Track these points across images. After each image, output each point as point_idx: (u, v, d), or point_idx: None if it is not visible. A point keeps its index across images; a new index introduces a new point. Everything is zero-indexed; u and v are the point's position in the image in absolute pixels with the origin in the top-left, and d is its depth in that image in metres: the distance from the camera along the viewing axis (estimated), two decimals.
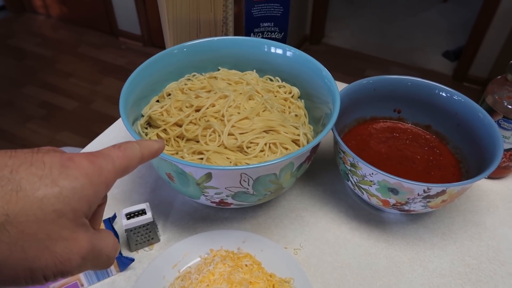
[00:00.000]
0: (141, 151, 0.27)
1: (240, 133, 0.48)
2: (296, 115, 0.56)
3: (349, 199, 0.56)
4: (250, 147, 0.48)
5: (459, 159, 0.55)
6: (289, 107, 0.56)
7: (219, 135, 0.48)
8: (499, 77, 0.55)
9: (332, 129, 0.49)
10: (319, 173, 0.59)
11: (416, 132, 0.60)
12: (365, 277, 0.48)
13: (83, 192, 0.23)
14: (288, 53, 0.57)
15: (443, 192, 0.45)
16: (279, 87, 0.59)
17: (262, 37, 0.65)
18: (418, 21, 2.77)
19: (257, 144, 0.48)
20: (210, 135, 0.48)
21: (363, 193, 0.50)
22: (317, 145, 0.48)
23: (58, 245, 0.22)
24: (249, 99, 0.53)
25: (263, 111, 0.52)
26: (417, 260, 0.49)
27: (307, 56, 0.55)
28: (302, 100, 0.58)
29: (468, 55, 2.18)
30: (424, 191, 0.45)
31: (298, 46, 2.49)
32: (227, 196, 0.45)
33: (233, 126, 0.49)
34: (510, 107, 0.52)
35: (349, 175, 0.50)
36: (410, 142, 0.58)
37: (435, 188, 0.44)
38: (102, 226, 0.48)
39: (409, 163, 0.55)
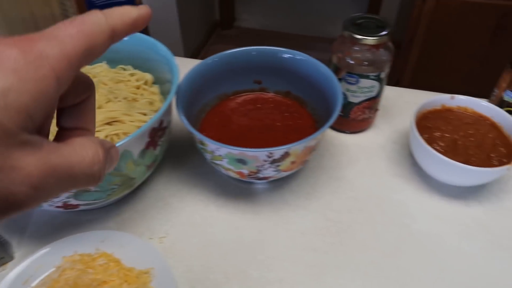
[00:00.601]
0: (110, 22, 0.19)
1: None
2: (150, 103, 0.54)
3: (218, 177, 0.56)
4: None
5: (316, 119, 0.57)
6: (142, 94, 0.55)
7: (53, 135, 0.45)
8: (339, 36, 0.56)
9: (178, 112, 0.48)
10: (188, 157, 0.58)
11: (278, 100, 0.60)
12: (230, 250, 0.48)
13: (9, 97, 0.15)
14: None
15: (287, 154, 0.45)
16: (131, 76, 0.56)
17: None
18: None
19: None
20: None
21: (220, 169, 0.50)
22: (161, 129, 0.47)
23: None
24: None
25: (107, 102, 0.50)
26: (282, 224, 0.50)
27: (141, 36, 0.53)
28: (157, 85, 0.56)
29: None
30: (268, 156, 0.45)
31: (208, 32, 2.47)
32: (67, 197, 0.43)
33: None
34: (351, 62, 0.54)
35: (204, 154, 0.50)
36: (272, 110, 0.59)
37: (277, 151, 0.44)
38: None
39: (269, 131, 0.55)
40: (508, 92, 0.53)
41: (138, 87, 0.55)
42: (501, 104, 0.55)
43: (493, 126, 0.54)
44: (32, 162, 0.16)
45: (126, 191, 0.48)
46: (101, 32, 0.18)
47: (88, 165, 0.19)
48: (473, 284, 0.44)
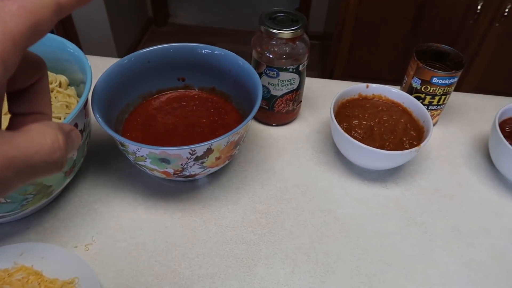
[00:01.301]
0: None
1: None
2: (67, 106, 0.51)
3: (145, 178, 0.55)
4: None
5: (241, 114, 0.57)
6: (56, 97, 0.52)
7: None
8: (257, 31, 0.57)
9: (94, 114, 0.46)
10: (113, 159, 0.57)
11: (203, 97, 0.60)
12: (161, 252, 0.47)
13: None
14: None
15: (210, 150, 0.46)
16: None
17: None
18: None
19: None
20: None
21: (145, 170, 0.49)
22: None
23: None
24: None
25: None
26: (212, 220, 0.51)
27: (50, 35, 0.50)
28: (73, 87, 0.54)
29: (303, 14, 2.33)
30: (191, 153, 0.45)
31: (143, 30, 2.39)
32: None
33: None
34: (270, 56, 0.55)
35: (127, 155, 0.49)
36: (197, 107, 0.59)
37: (199, 148, 0.44)
38: None
39: (195, 128, 0.55)
40: (415, 79, 0.58)
41: (52, 90, 0.52)
42: (411, 90, 0.59)
43: (405, 112, 0.57)
44: None
45: (44, 200, 0.46)
46: (46, 7, 0.17)
47: (48, 153, 0.17)
48: (391, 260, 0.47)
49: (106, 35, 1.95)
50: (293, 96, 0.59)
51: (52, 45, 0.50)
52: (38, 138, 0.17)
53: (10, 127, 0.20)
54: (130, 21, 2.23)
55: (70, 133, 0.19)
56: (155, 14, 2.48)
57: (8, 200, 0.41)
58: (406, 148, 0.52)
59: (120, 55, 2.07)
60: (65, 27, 1.77)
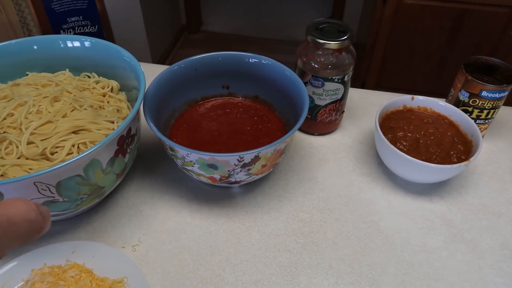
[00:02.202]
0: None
1: (43, 139, 0.45)
2: (118, 110, 0.53)
3: (189, 183, 0.56)
4: (56, 152, 0.45)
5: (284, 122, 0.58)
6: (108, 102, 0.54)
7: (17, 146, 0.44)
8: (303, 41, 0.57)
9: (146, 119, 0.48)
10: (158, 163, 0.58)
11: (246, 104, 0.61)
12: (205, 256, 0.48)
13: None
14: (87, 44, 0.54)
15: (257, 157, 0.46)
16: (96, 83, 0.55)
17: (75, 33, 0.61)
18: None
19: (64, 147, 0.45)
20: (6, 147, 0.44)
21: (191, 174, 0.50)
22: (130, 136, 0.46)
23: None
24: (56, 101, 0.49)
25: (72, 111, 0.49)
26: (255, 227, 0.51)
27: (105, 43, 0.52)
28: (123, 92, 0.56)
29: None
30: (239, 160, 0.46)
31: (176, 37, 2.45)
32: None
33: (33, 133, 0.45)
34: (316, 66, 0.55)
35: (175, 160, 0.50)
36: (241, 115, 0.59)
37: (247, 155, 0.45)
38: None
39: (239, 136, 0.56)
40: (463, 92, 0.56)
41: (104, 95, 0.54)
42: (457, 103, 0.58)
43: (451, 125, 0.56)
44: None
45: (96, 200, 0.48)
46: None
47: (24, 212, 0.23)
48: (438, 276, 0.46)
49: (141, 41, 2.01)
50: (337, 106, 0.59)
51: (109, 52, 0.52)
52: (12, 206, 0.22)
53: None
54: (165, 28, 2.29)
55: (39, 206, 0.24)
56: (188, 21, 2.53)
57: (66, 199, 0.42)
58: (454, 162, 0.51)
59: (154, 60, 2.12)
60: (107, 32, 1.83)
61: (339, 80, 0.55)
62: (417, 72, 1.77)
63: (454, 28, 1.59)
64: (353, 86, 0.61)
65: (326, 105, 0.58)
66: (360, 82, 1.89)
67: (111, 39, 2.03)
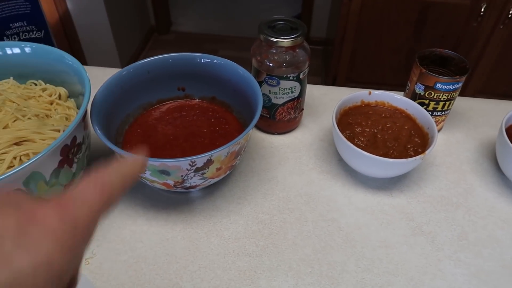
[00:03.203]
0: (123, 179, 0.21)
1: None
2: (66, 118, 0.51)
3: (146, 190, 0.54)
4: None
5: (242, 123, 0.57)
6: (56, 110, 0.51)
7: None
8: (256, 40, 0.56)
9: (92, 126, 0.46)
10: None
11: (203, 106, 0.60)
12: (162, 264, 0.46)
13: (51, 266, 0.16)
14: (27, 50, 0.51)
15: (210, 161, 0.45)
16: (43, 91, 0.53)
17: (19, 39, 0.58)
18: None
19: (4, 160, 0.42)
20: None
21: (145, 181, 0.48)
22: (76, 145, 0.44)
23: None
24: None
25: (14, 121, 0.46)
26: (214, 231, 0.50)
27: (46, 47, 0.50)
28: (72, 99, 0.54)
29: (305, 20, 2.33)
30: (190, 165, 0.44)
31: (145, 38, 2.41)
32: None
33: None
34: (270, 64, 0.54)
35: None
36: (198, 117, 0.58)
37: (199, 159, 0.44)
38: None
39: (196, 138, 0.54)
40: (419, 84, 0.57)
41: (51, 102, 0.52)
42: (414, 96, 0.58)
43: (408, 118, 0.57)
44: None
45: None
46: (117, 188, 0.21)
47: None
48: (397, 271, 0.46)
49: (109, 43, 1.96)
50: (295, 104, 0.58)
51: (51, 57, 0.50)
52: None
53: None
54: (133, 29, 2.24)
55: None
56: (157, 22, 2.49)
57: None
58: (411, 156, 0.51)
59: (123, 63, 2.07)
60: (68, 36, 1.78)
61: (295, 78, 0.55)
62: (386, 65, 1.79)
63: (419, 21, 1.62)
64: (325, 81, 0.60)
65: (283, 104, 0.58)
66: (332, 77, 1.89)
67: (77, 43, 1.97)
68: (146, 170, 0.45)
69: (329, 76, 1.93)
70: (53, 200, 0.18)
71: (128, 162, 0.23)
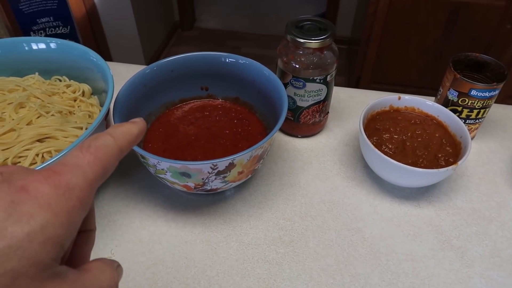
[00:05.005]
0: (118, 143, 0.21)
1: (4, 149, 0.42)
2: (89, 115, 0.51)
3: (166, 190, 0.53)
4: (19, 162, 0.42)
5: (265, 125, 0.55)
6: (79, 107, 0.51)
7: None
8: (283, 40, 0.55)
9: (113, 122, 0.45)
10: (134, 171, 0.56)
11: (226, 107, 0.59)
12: (180, 268, 0.46)
13: (47, 232, 0.17)
14: (52, 45, 0.51)
15: (232, 165, 0.44)
16: (67, 87, 0.53)
17: (46, 35, 0.58)
18: None
19: (27, 157, 0.42)
20: None
21: (165, 182, 0.48)
22: None
23: None
24: (21, 107, 0.47)
25: (38, 117, 0.46)
26: (233, 236, 0.49)
27: (71, 43, 0.50)
28: (96, 96, 0.53)
29: (330, 18, 2.30)
30: (212, 168, 0.43)
31: (169, 34, 2.42)
32: None
33: None
34: (296, 66, 0.52)
35: (147, 168, 0.47)
36: (220, 117, 0.57)
37: (221, 162, 0.43)
38: None
39: (218, 140, 0.53)
40: (452, 91, 0.54)
41: (75, 99, 0.52)
42: (446, 103, 0.55)
43: (440, 126, 0.54)
44: None
45: None
46: (113, 154, 0.21)
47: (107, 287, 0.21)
48: (424, 286, 0.44)
49: (134, 39, 1.98)
50: (320, 107, 0.56)
51: (75, 53, 0.49)
52: (99, 276, 0.20)
53: (69, 260, 0.22)
54: (157, 25, 2.26)
55: (117, 268, 0.22)
56: (181, 18, 2.50)
57: None
58: (442, 166, 0.49)
59: (147, 58, 2.09)
60: (94, 32, 1.79)
61: (321, 81, 0.53)
62: (413, 66, 1.74)
63: (450, 22, 1.56)
64: (348, 82, 0.58)
65: (308, 107, 0.56)
66: (356, 77, 1.86)
67: (103, 38, 2.00)
68: (167, 172, 0.44)
69: (353, 76, 1.89)
70: (45, 169, 0.18)
71: (125, 126, 0.22)
